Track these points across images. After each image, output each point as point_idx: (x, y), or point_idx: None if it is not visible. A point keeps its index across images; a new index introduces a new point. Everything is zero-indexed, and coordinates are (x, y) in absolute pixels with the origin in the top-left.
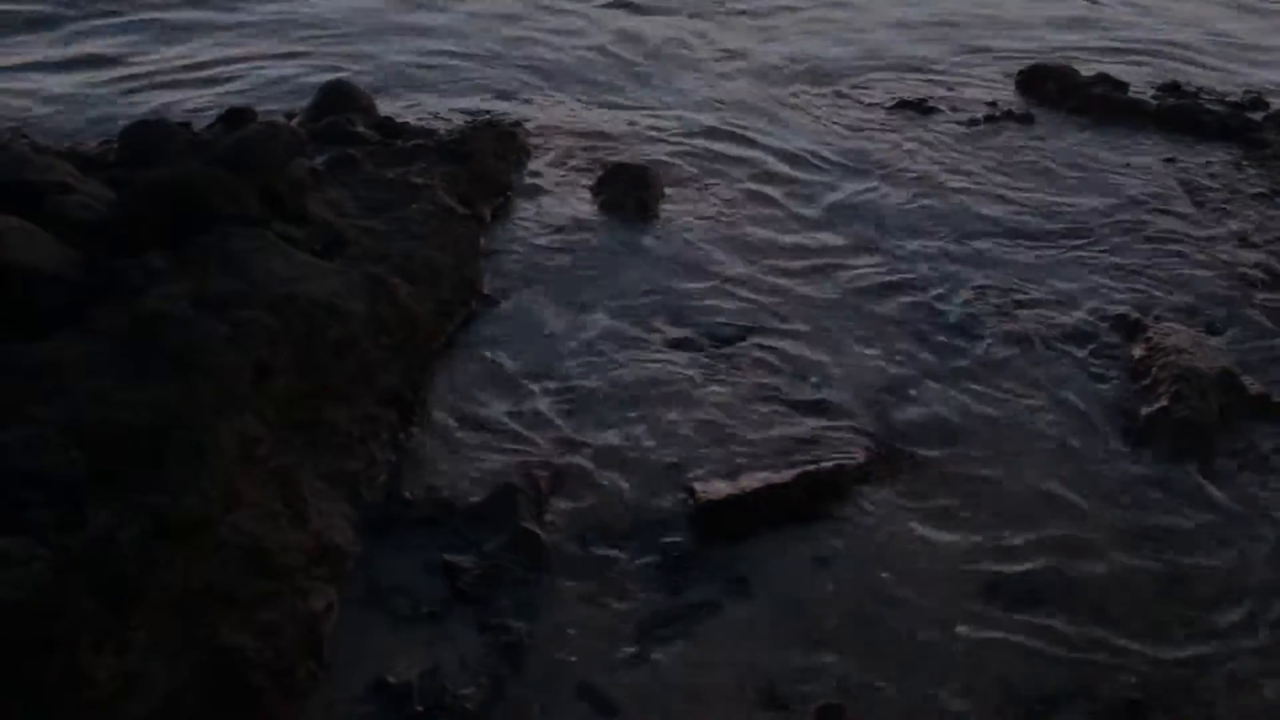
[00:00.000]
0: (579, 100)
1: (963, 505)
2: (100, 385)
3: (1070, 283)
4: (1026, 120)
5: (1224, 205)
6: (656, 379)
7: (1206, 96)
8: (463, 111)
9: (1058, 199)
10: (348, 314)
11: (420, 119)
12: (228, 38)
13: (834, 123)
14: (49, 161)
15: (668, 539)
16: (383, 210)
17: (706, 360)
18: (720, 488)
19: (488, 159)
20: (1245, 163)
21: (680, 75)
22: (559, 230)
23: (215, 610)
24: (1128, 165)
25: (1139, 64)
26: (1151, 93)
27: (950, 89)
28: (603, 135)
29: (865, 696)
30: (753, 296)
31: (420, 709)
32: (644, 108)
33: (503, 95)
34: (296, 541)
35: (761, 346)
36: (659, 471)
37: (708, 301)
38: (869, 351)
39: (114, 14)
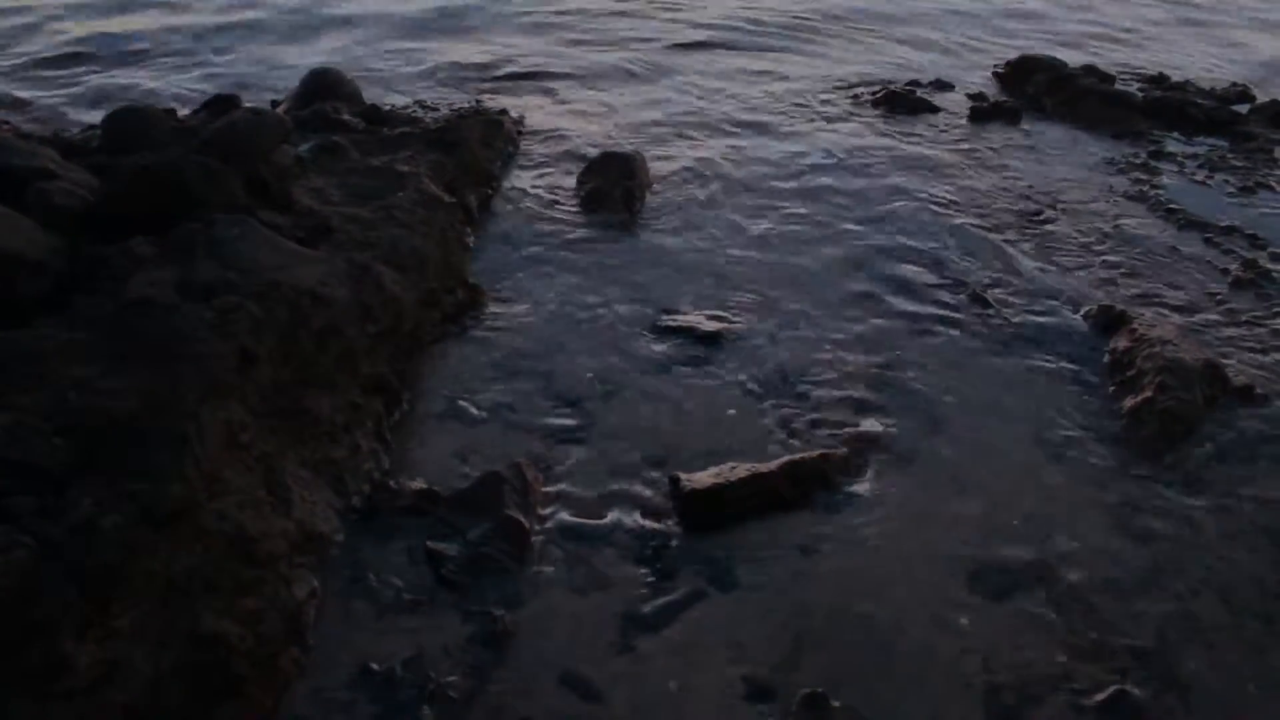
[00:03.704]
0: (567, 88)
1: (947, 495)
2: (83, 372)
3: (1055, 276)
4: (1013, 114)
5: (1209, 198)
6: (642, 368)
7: (1192, 89)
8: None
9: (1041, 193)
10: (332, 302)
11: (406, 107)
12: None
13: (822, 117)
14: (32, 148)
15: (653, 528)
16: (368, 198)
17: (691, 350)
18: (705, 477)
19: (474, 147)
20: (1231, 155)
21: (667, 64)
22: (545, 219)
23: (198, 598)
24: (1113, 158)
25: (1125, 54)
26: (1138, 85)
27: (936, 81)
28: (590, 124)
29: (850, 685)
30: (738, 287)
31: (404, 697)
32: (631, 97)
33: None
34: (280, 529)
35: (746, 337)
36: (644, 461)
37: (693, 292)
38: (852, 343)
39: None
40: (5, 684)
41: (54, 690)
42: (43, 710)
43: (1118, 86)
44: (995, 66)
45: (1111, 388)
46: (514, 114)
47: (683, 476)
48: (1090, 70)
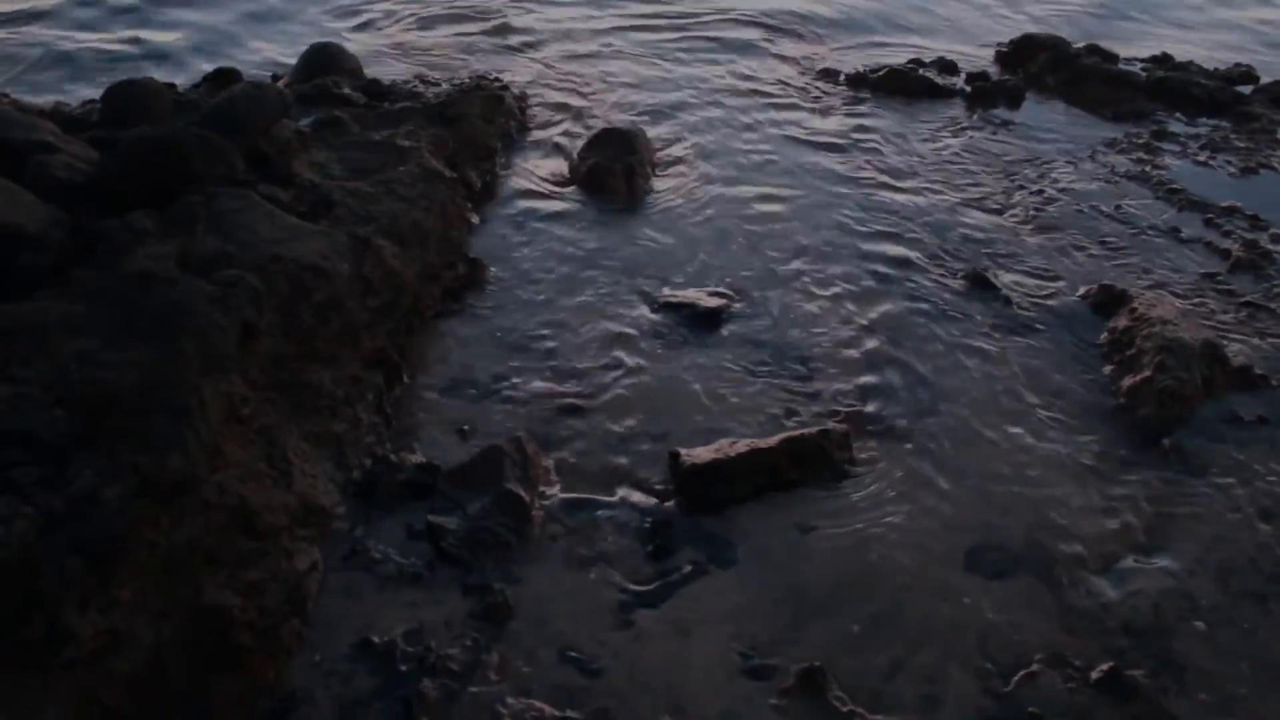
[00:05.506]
0: (569, 64)
1: (944, 473)
2: (85, 345)
3: (1056, 256)
4: (1015, 93)
5: (1210, 179)
6: (642, 344)
7: (1195, 69)
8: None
9: (1042, 173)
10: (333, 275)
11: (407, 81)
12: None
13: (823, 96)
14: (31, 121)
15: (652, 503)
16: (369, 172)
17: (691, 327)
18: (704, 452)
19: (475, 122)
20: (1233, 136)
21: (660, 42)
22: (546, 194)
23: (200, 569)
24: (1115, 139)
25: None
26: (1140, 65)
27: (938, 60)
28: (592, 99)
29: (847, 661)
30: (738, 264)
31: (404, 669)
32: (633, 72)
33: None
34: (281, 502)
35: (746, 314)
36: (644, 436)
37: (693, 268)
38: (853, 321)
39: None
40: (8, 654)
41: (56, 660)
42: (45, 680)
43: (1120, 66)
44: (999, 45)
45: (1110, 367)
46: (516, 89)
47: (682, 452)
48: (1093, 50)
